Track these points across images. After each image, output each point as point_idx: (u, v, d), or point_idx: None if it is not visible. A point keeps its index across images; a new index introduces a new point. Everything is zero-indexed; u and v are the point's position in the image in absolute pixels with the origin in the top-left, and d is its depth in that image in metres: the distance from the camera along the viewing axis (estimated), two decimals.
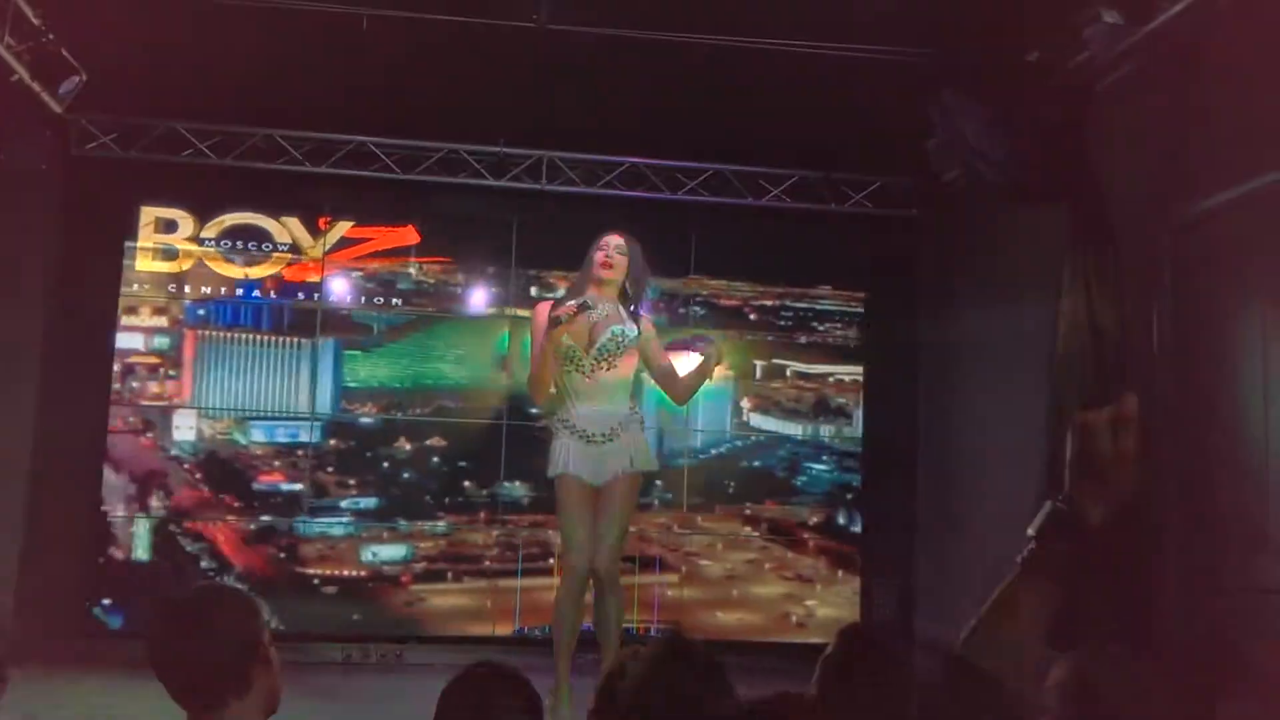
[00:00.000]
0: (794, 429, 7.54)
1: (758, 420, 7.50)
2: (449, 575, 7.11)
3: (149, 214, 7.05)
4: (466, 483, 7.19)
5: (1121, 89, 5.11)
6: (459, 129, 6.87)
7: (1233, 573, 4.35)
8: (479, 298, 7.42)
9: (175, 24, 5.46)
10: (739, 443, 7.50)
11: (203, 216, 7.11)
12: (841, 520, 7.50)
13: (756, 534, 7.40)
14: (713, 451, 7.48)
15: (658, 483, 7.20)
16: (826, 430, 7.57)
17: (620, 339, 4.53)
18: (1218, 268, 4.62)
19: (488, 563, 7.16)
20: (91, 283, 6.81)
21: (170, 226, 7.09)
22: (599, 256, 4.59)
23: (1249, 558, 4.29)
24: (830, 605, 7.40)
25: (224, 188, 7.05)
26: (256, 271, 7.15)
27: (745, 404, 7.49)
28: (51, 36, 5.43)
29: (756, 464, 7.49)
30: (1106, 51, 4.75)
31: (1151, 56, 4.87)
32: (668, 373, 4.76)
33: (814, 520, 7.47)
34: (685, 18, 5.44)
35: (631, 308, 4.68)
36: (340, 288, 7.23)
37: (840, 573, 7.44)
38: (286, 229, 7.22)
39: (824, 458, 7.57)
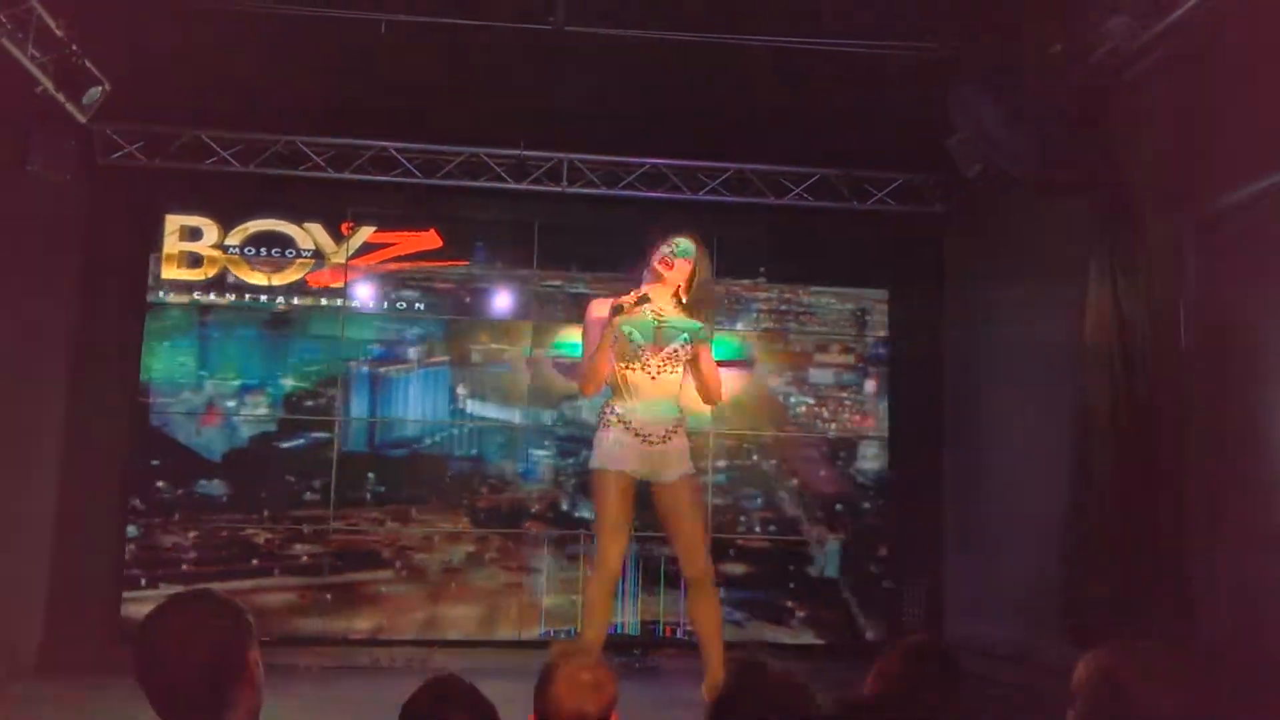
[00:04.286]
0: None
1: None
2: None
3: (174, 222, 7.11)
4: None
5: (1145, 80, 5.05)
6: (479, 133, 6.88)
7: (1260, 567, 4.29)
8: (503, 300, 7.45)
9: (197, 33, 5.49)
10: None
11: (227, 224, 7.17)
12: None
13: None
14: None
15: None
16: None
17: (688, 345, 4.47)
18: (1244, 259, 4.56)
19: None
20: (118, 290, 6.86)
21: (195, 234, 7.14)
22: (662, 251, 4.55)
23: (1276, 557, 4.24)
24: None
25: (248, 195, 7.11)
26: (280, 277, 7.19)
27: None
28: (75, 47, 5.48)
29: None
30: (1127, 44, 4.70)
31: (1175, 47, 4.82)
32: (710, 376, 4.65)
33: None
34: (703, 17, 5.42)
35: (696, 312, 4.57)
36: (364, 293, 7.28)
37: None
38: (310, 235, 7.26)
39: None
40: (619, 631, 6.91)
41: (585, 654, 2.39)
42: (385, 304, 7.31)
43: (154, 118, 6.65)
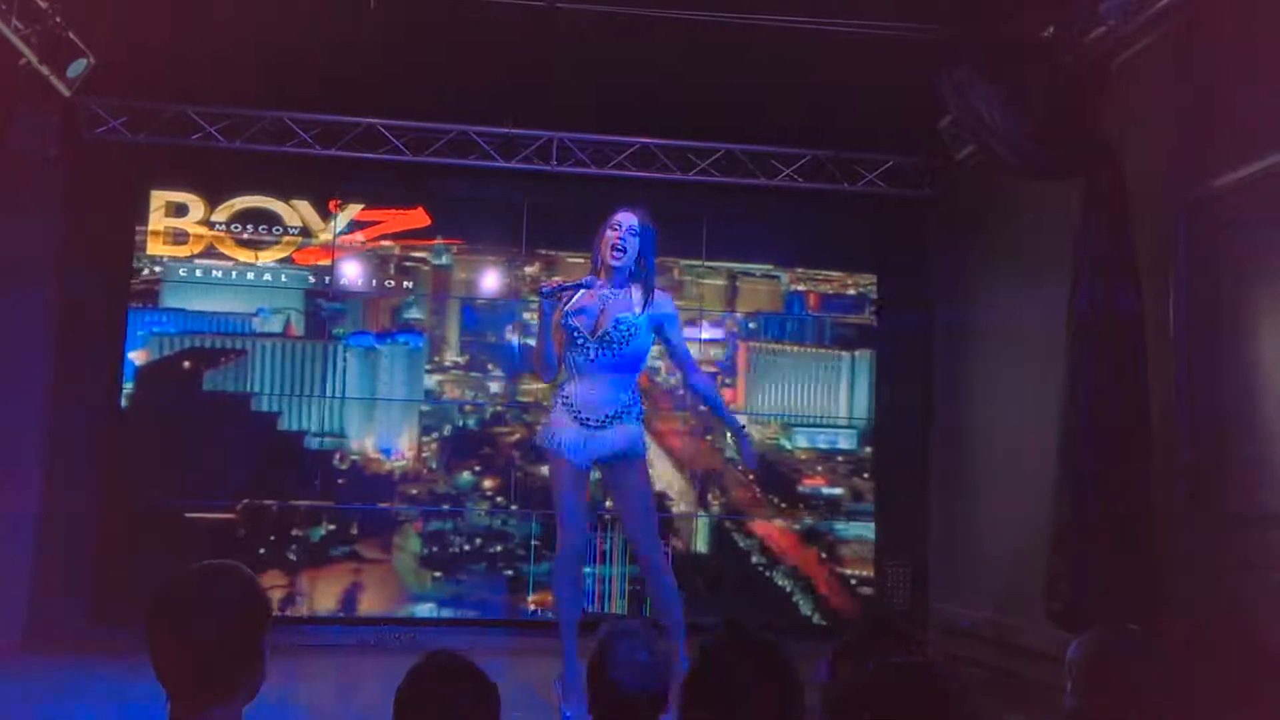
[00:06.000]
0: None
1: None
2: None
3: (159, 198, 7.05)
4: None
5: (1137, 65, 5.05)
6: (468, 111, 6.84)
7: (1248, 550, 4.31)
8: (491, 279, 7.42)
9: (183, 6, 5.44)
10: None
11: (213, 200, 7.11)
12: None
13: None
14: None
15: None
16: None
17: (628, 330, 4.40)
18: (1234, 245, 4.56)
19: None
20: (101, 267, 6.80)
21: (180, 210, 7.08)
22: (610, 237, 4.51)
23: (1264, 540, 4.26)
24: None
25: (234, 171, 7.05)
26: (266, 255, 7.13)
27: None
28: (59, 19, 5.42)
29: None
30: (1121, 27, 4.69)
31: (1166, 32, 4.82)
32: (681, 356, 4.67)
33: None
34: None
35: (648, 291, 4.56)
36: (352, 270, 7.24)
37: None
38: (297, 212, 7.21)
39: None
40: (587, 610, 6.90)
41: (638, 633, 2.32)
42: (374, 281, 7.27)
43: (139, 92, 6.58)
